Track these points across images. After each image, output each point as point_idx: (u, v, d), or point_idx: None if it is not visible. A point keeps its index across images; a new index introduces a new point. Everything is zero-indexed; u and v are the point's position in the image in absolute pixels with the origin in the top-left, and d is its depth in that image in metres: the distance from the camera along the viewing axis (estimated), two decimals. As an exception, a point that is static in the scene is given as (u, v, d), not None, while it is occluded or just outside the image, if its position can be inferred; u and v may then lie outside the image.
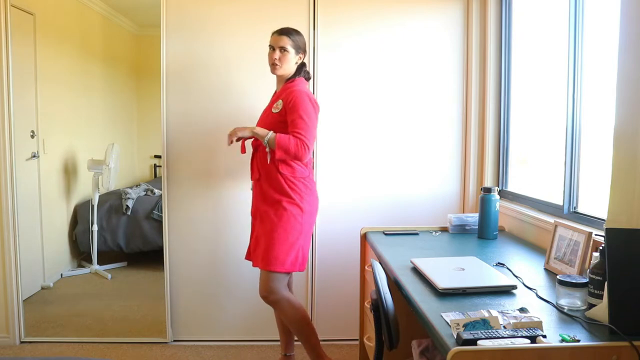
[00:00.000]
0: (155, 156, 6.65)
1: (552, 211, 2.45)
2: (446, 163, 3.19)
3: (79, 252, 4.80)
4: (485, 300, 1.64)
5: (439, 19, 3.12)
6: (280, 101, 2.50)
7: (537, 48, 2.79)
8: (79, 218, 4.70)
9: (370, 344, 2.40)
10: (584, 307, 1.56)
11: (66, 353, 3.05)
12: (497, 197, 2.58)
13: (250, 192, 2.71)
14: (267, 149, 2.47)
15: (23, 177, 3.73)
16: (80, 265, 4.78)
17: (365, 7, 3.09)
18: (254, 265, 2.62)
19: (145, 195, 5.02)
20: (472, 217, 2.69)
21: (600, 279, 1.54)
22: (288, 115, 2.45)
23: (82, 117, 4.97)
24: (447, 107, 3.17)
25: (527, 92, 2.90)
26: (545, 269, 2.02)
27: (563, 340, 1.33)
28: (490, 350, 1.26)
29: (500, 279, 1.81)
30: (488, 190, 2.58)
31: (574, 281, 1.57)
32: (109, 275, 4.50)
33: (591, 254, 1.79)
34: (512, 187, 3.02)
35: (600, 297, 1.53)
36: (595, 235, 1.88)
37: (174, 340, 3.20)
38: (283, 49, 2.50)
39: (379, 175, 3.17)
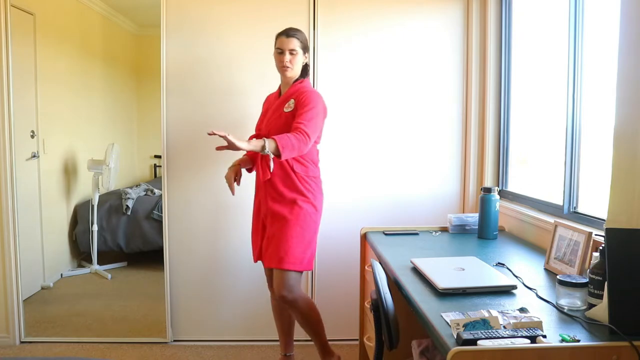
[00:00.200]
0: (155, 156, 6.65)
1: (552, 211, 2.45)
2: (446, 163, 3.19)
3: (79, 252, 4.80)
4: (485, 300, 1.64)
5: (439, 19, 3.12)
6: (293, 100, 2.49)
7: (537, 48, 2.79)
8: (79, 218, 4.70)
9: (370, 344, 2.40)
10: (584, 307, 1.56)
11: (66, 353, 3.05)
12: (497, 197, 2.58)
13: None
14: (271, 158, 2.36)
15: (23, 177, 3.73)
16: (80, 265, 4.78)
17: (365, 7, 3.09)
18: (266, 266, 2.58)
19: (145, 195, 5.02)
20: (472, 217, 2.69)
21: (600, 279, 1.54)
22: (297, 110, 2.45)
23: (82, 117, 4.97)
24: (447, 107, 3.17)
25: (527, 92, 2.90)
26: (545, 269, 2.02)
27: (563, 340, 1.33)
28: (490, 350, 1.26)
29: (500, 279, 1.81)
30: (488, 190, 2.58)
31: (574, 281, 1.57)
32: (109, 275, 4.50)
33: (591, 254, 1.79)
34: (512, 187, 3.02)
35: (600, 297, 1.53)
36: (595, 235, 1.88)
37: (174, 340, 3.20)
38: (293, 51, 2.49)
39: (379, 175, 3.17)
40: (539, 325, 1.37)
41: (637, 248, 1.42)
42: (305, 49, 2.54)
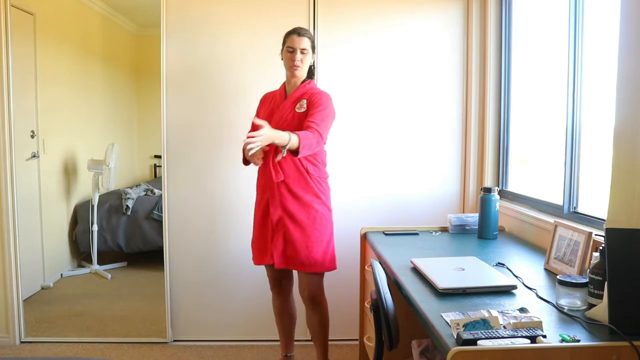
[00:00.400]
0: (155, 156, 6.65)
1: (552, 211, 2.45)
2: (446, 163, 3.19)
3: (79, 252, 4.80)
4: (485, 300, 1.64)
5: (439, 19, 3.12)
6: (305, 100, 2.49)
7: (537, 48, 2.79)
8: (79, 218, 4.70)
9: (370, 344, 2.40)
10: (584, 307, 1.56)
11: (66, 353, 3.06)
12: (497, 197, 2.58)
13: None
14: (284, 153, 2.32)
15: (23, 177, 3.74)
16: (80, 265, 4.78)
17: (365, 7, 3.09)
18: (295, 269, 2.56)
19: (145, 195, 5.02)
20: (472, 217, 2.69)
21: (600, 279, 1.54)
22: (309, 110, 2.45)
23: (82, 117, 4.97)
24: (447, 107, 3.17)
25: (527, 92, 2.90)
26: (545, 269, 2.02)
27: (563, 340, 1.33)
28: (490, 350, 1.26)
29: (500, 279, 1.81)
30: (488, 190, 2.58)
31: (574, 281, 1.57)
32: (109, 275, 4.50)
33: (591, 254, 1.79)
34: (512, 187, 3.02)
35: (600, 297, 1.53)
36: (595, 235, 1.88)
37: (174, 340, 3.20)
38: (304, 50, 2.48)
39: (379, 175, 3.17)
40: (539, 325, 1.37)
41: (637, 248, 1.41)
42: (313, 48, 2.55)
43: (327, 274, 2.86)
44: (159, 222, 4.52)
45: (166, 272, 3.15)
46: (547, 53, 2.68)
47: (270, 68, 2.99)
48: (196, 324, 3.20)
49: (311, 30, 3.05)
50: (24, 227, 3.55)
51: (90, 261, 4.68)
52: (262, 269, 2.78)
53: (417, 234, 2.67)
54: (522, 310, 1.53)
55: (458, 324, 1.39)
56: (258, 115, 2.60)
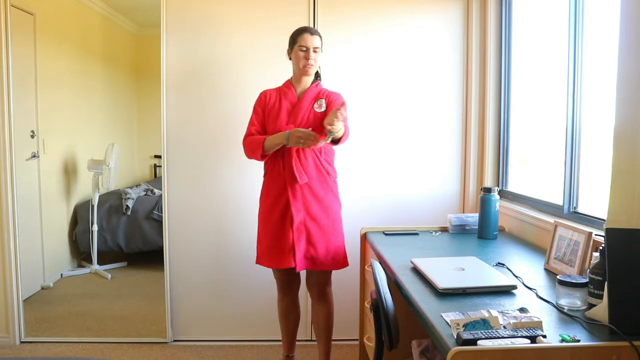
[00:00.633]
0: (155, 156, 6.65)
1: (552, 211, 2.45)
2: (446, 163, 3.19)
3: (79, 252, 4.80)
4: (485, 300, 1.64)
5: (439, 19, 3.12)
6: (323, 100, 2.53)
7: (537, 48, 2.79)
8: (79, 218, 4.70)
9: (370, 344, 2.40)
10: (584, 307, 1.56)
11: (66, 353, 3.06)
12: (497, 197, 2.58)
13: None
14: (329, 139, 2.34)
15: (23, 177, 3.73)
16: (80, 265, 4.78)
17: (365, 7, 3.09)
18: (315, 269, 2.56)
19: (145, 195, 5.02)
20: (472, 217, 2.69)
21: (600, 279, 1.54)
22: (332, 109, 2.47)
23: (82, 117, 4.97)
24: (447, 107, 3.17)
25: (527, 92, 2.90)
26: (545, 269, 2.02)
27: (563, 340, 1.33)
28: (490, 350, 1.26)
29: (500, 279, 1.81)
30: (488, 190, 2.58)
31: (574, 281, 1.57)
32: (109, 275, 4.50)
33: (591, 254, 1.79)
34: (512, 187, 3.02)
35: (600, 297, 1.53)
36: (595, 235, 1.88)
37: (174, 340, 3.20)
38: (316, 49, 2.50)
39: (379, 175, 3.17)
40: (539, 325, 1.37)
41: (637, 248, 1.42)
42: (321, 48, 2.57)
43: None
44: (159, 222, 4.52)
45: (166, 272, 3.15)
46: (547, 53, 2.68)
47: (270, 68, 2.99)
48: (196, 324, 3.20)
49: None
50: (24, 227, 3.55)
51: (90, 261, 4.68)
52: (262, 269, 2.78)
53: (417, 234, 2.67)
54: (522, 310, 1.53)
55: (458, 324, 1.39)
56: (255, 113, 2.57)
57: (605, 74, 2.10)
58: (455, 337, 1.34)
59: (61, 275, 4.48)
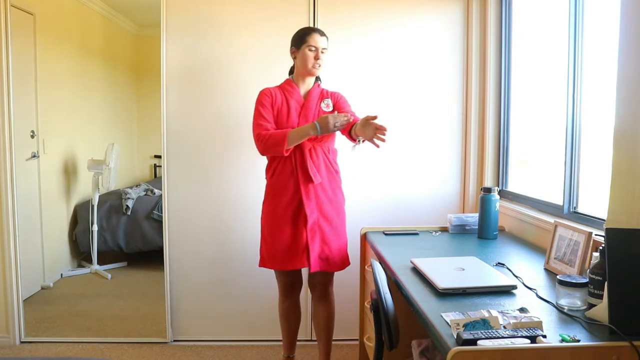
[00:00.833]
0: (155, 156, 6.65)
1: (552, 211, 2.45)
2: (446, 163, 3.19)
3: (79, 252, 4.80)
4: (485, 300, 1.64)
5: (439, 19, 3.12)
6: (329, 100, 2.57)
7: (537, 48, 2.79)
8: (79, 218, 4.70)
9: (370, 344, 2.40)
10: (584, 307, 1.56)
11: (66, 353, 3.06)
12: (497, 197, 2.58)
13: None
14: (360, 143, 2.41)
15: (23, 177, 3.73)
16: (80, 265, 4.78)
17: (365, 7, 3.09)
18: (329, 270, 2.56)
19: (145, 195, 5.02)
20: (472, 217, 2.69)
21: (600, 279, 1.54)
22: (340, 108, 2.57)
23: (82, 117, 4.97)
24: (447, 107, 3.17)
25: (527, 92, 2.90)
26: (545, 269, 2.02)
27: (563, 340, 1.33)
28: (490, 350, 1.26)
29: (500, 279, 1.81)
30: (488, 190, 2.58)
31: (574, 281, 1.57)
32: (109, 275, 4.50)
33: (591, 254, 1.79)
34: (512, 187, 3.02)
35: (600, 297, 1.53)
36: (595, 235, 1.88)
37: (174, 340, 3.20)
38: (324, 50, 2.51)
39: (379, 175, 3.17)
40: (539, 325, 1.37)
41: (637, 248, 1.42)
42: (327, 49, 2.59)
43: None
44: (159, 222, 4.52)
45: (166, 272, 3.15)
46: (547, 53, 2.68)
47: (271, 68, 2.99)
48: (196, 324, 3.20)
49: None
50: (24, 227, 3.55)
51: (90, 261, 4.68)
52: (260, 268, 2.77)
53: (417, 234, 2.67)
54: (522, 310, 1.53)
55: (458, 324, 1.39)
56: (265, 108, 2.49)
57: (605, 74, 2.10)
58: (455, 337, 1.34)
59: (61, 275, 4.48)
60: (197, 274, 3.18)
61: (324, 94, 2.59)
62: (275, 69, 2.86)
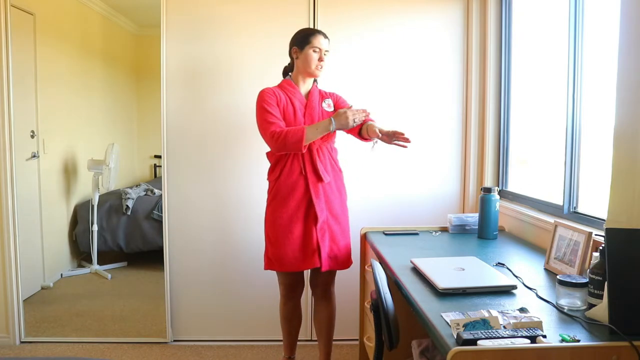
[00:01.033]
0: (155, 156, 6.65)
1: (552, 211, 2.45)
2: (446, 163, 3.19)
3: (79, 252, 4.80)
4: (485, 300, 1.64)
5: (439, 19, 3.12)
6: (330, 100, 2.61)
7: (537, 48, 2.79)
8: (79, 218, 4.70)
9: (370, 344, 2.40)
10: (584, 307, 1.56)
11: (66, 353, 3.06)
12: (497, 197, 2.58)
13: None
14: (377, 141, 2.46)
15: (23, 177, 3.74)
16: (80, 265, 4.78)
17: (365, 7, 3.09)
18: (337, 268, 2.57)
19: (145, 195, 5.02)
20: (472, 217, 2.69)
21: (600, 279, 1.54)
22: (343, 107, 2.59)
23: (82, 117, 4.97)
24: (447, 107, 3.17)
25: (527, 92, 2.90)
26: (545, 269, 2.02)
27: (563, 340, 1.33)
28: (490, 350, 1.26)
29: (500, 279, 1.81)
30: (488, 190, 2.58)
31: (574, 281, 1.57)
32: (109, 275, 4.50)
33: (591, 254, 1.79)
34: (512, 187, 3.02)
35: (600, 297, 1.53)
36: (595, 235, 1.88)
37: (174, 340, 3.20)
38: (327, 52, 2.53)
39: (379, 175, 3.17)
40: (539, 325, 1.37)
41: (637, 248, 1.42)
42: None
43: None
44: (159, 222, 4.52)
45: (166, 272, 3.15)
46: (547, 53, 2.68)
47: (271, 68, 2.98)
48: (196, 324, 3.20)
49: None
50: (24, 227, 3.55)
51: (90, 261, 4.68)
52: (260, 269, 2.77)
53: (417, 234, 2.67)
54: (522, 310, 1.53)
55: (458, 324, 1.39)
56: (272, 106, 2.45)
57: (605, 74, 2.10)
58: (455, 337, 1.34)
59: (61, 275, 4.48)
60: (197, 274, 3.18)
61: (323, 94, 2.62)
62: (275, 68, 2.86)
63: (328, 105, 2.58)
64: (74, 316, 3.61)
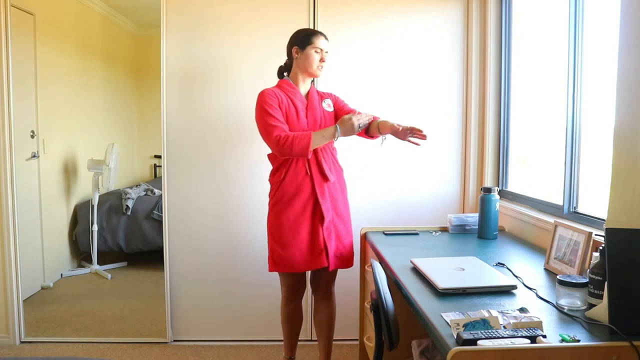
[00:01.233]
0: (155, 156, 6.65)
1: (552, 211, 2.45)
2: (446, 163, 3.19)
3: (79, 252, 4.80)
4: (485, 300, 1.64)
5: (439, 19, 3.12)
6: (329, 100, 2.62)
7: (537, 48, 2.79)
8: (79, 218, 4.70)
9: (370, 344, 2.40)
10: (584, 307, 1.56)
11: (66, 353, 3.06)
12: (497, 197, 2.58)
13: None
14: (386, 138, 2.49)
15: (23, 177, 3.74)
16: (80, 265, 4.78)
17: (365, 7, 3.09)
18: (343, 267, 2.58)
19: (145, 195, 5.02)
20: (472, 217, 2.69)
21: (600, 279, 1.54)
22: (344, 107, 2.64)
23: (82, 117, 4.97)
24: (447, 107, 3.17)
25: (527, 92, 2.90)
26: (545, 269, 2.02)
27: (563, 340, 1.33)
28: (490, 350, 1.26)
29: (500, 279, 1.81)
30: (488, 190, 2.58)
31: (574, 281, 1.57)
32: (109, 275, 4.50)
33: (591, 254, 1.79)
34: (512, 187, 3.02)
35: (600, 297, 1.53)
36: (595, 235, 1.88)
37: (174, 340, 3.20)
38: (327, 53, 2.54)
39: (379, 175, 3.17)
40: (539, 325, 1.37)
41: (637, 248, 1.42)
42: None
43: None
44: (159, 222, 4.52)
45: (166, 272, 3.15)
46: (547, 53, 2.68)
47: (271, 68, 2.97)
48: (196, 324, 3.20)
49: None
50: (24, 227, 3.55)
51: (90, 261, 4.68)
52: (260, 268, 2.77)
53: (417, 234, 2.67)
54: (522, 310, 1.53)
55: (458, 324, 1.39)
56: (274, 109, 2.42)
57: (605, 74, 2.10)
58: (455, 337, 1.34)
59: (61, 275, 4.48)
60: (197, 274, 3.17)
61: (321, 94, 2.63)
62: (275, 68, 2.85)
63: (328, 105, 2.59)
64: (74, 316, 3.61)
